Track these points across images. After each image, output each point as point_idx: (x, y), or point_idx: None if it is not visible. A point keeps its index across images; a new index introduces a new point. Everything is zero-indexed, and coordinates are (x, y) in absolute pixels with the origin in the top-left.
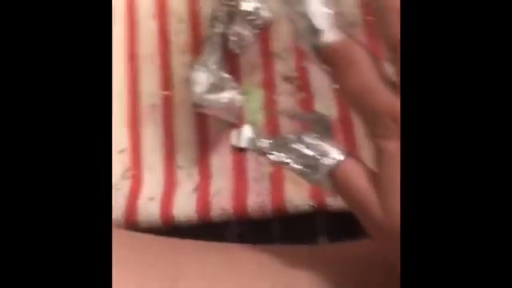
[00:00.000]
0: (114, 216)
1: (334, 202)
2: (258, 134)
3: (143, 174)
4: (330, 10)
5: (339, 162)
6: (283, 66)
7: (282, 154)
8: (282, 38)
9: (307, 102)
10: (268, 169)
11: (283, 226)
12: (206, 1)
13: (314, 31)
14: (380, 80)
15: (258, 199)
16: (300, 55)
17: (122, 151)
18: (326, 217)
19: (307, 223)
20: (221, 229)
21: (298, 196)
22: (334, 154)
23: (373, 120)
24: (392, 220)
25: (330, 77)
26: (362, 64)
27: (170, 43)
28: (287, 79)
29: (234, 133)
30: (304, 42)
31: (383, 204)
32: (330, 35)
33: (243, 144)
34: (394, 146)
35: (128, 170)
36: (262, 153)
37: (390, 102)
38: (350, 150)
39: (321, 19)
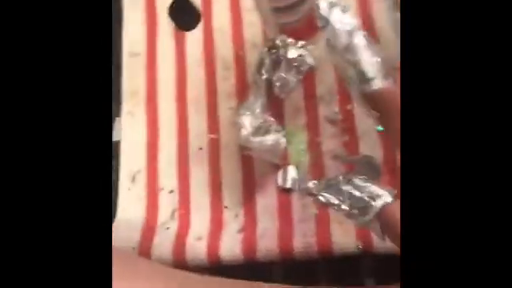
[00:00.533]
0: (163, 255)
1: (381, 244)
2: (302, 176)
3: (191, 214)
4: (378, 59)
5: (388, 204)
6: (327, 109)
7: (331, 196)
8: (325, 83)
9: (352, 145)
10: (314, 210)
11: (329, 268)
12: (251, 48)
13: (364, 78)
14: None
15: (303, 240)
16: (344, 98)
17: (171, 191)
18: (373, 259)
19: (353, 265)
20: (266, 269)
21: (344, 238)
22: (384, 196)
23: None
24: None
25: (379, 121)
26: None
27: (216, 88)
28: (331, 122)
29: (279, 174)
30: (354, 88)
31: None
32: (378, 82)
33: (289, 185)
34: None
35: (176, 209)
36: (311, 193)
37: None
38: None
39: (370, 67)
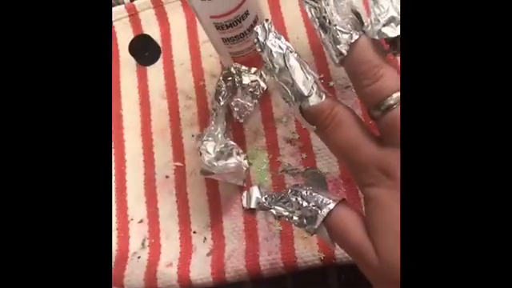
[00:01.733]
0: (135, 284)
1: (343, 254)
2: (262, 196)
3: (161, 241)
4: (311, 76)
5: (332, 211)
6: (284, 130)
7: (282, 208)
8: (281, 105)
9: (309, 161)
10: (278, 227)
11: (296, 282)
12: (210, 78)
13: (301, 96)
14: (364, 135)
15: (269, 257)
16: (297, 119)
17: (140, 221)
18: (336, 269)
19: (319, 276)
20: None
21: (307, 251)
22: (329, 204)
23: (360, 171)
24: (386, 266)
25: (319, 136)
26: (346, 123)
27: (180, 118)
28: (289, 141)
29: (243, 195)
30: (293, 106)
31: (377, 250)
32: (313, 98)
33: (253, 205)
34: (381, 193)
35: (146, 238)
36: (263, 208)
37: (375, 154)
38: (351, 202)
39: (304, 85)
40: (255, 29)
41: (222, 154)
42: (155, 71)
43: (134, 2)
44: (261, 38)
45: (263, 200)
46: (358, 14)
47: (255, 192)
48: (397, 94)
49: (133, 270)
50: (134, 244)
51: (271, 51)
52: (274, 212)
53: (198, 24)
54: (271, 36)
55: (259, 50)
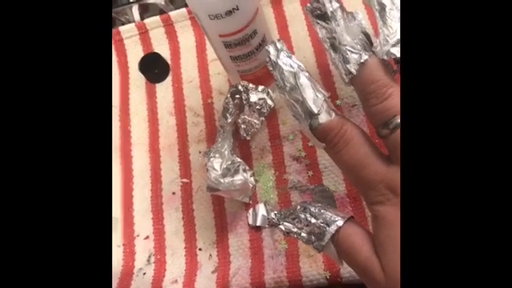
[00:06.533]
0: None
1: (349, 273)
2: (272, 212)
3: (167, 258)
4: (321, 95)
5: (340, 228)
6: (291, 148)
7: (290, 224)
8: (287, 123)
9: (316, 179)
10: (284, 245)
11: None
12: (218, 95)
13: (310, 114)
14: (372, 153)
15: (274, 275)
16: (306, 136)
17: (146, 237)
18: (342, 287)
19: None
20: None
21: (312, 270)
22: (337, 221)
23: (368, 189)
24: (392, 283)
25: (328, 153)
26: (355, 141)
27: (187, 134)
28: (296, 159)
29: (249, 212)
30: (302, 123)
31: (384, 268)
32: (323, 116)
33: (259, 223)
34: (389, 211)
35: (152, 254)
36: (273, 224)
37: (383, 172)
38: (358, 221)
39: (314, 103)
40: (267, 48)
41: (229, 171)
42: (164, 88)
43: (145, 21)
44: (273, 57)
45: (272, 216)
46: (367, 35)
47: (261, 209)
48: None
49: (138, 286)
50: (140, 260)
51: (282, 70)
52: (282, 228)
53: (207, 42)
54: (283, 55)
55: (271, 68)
